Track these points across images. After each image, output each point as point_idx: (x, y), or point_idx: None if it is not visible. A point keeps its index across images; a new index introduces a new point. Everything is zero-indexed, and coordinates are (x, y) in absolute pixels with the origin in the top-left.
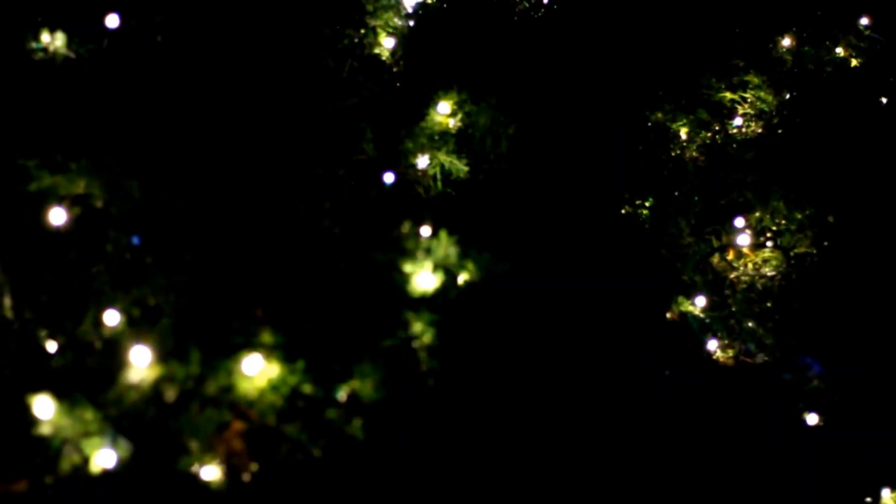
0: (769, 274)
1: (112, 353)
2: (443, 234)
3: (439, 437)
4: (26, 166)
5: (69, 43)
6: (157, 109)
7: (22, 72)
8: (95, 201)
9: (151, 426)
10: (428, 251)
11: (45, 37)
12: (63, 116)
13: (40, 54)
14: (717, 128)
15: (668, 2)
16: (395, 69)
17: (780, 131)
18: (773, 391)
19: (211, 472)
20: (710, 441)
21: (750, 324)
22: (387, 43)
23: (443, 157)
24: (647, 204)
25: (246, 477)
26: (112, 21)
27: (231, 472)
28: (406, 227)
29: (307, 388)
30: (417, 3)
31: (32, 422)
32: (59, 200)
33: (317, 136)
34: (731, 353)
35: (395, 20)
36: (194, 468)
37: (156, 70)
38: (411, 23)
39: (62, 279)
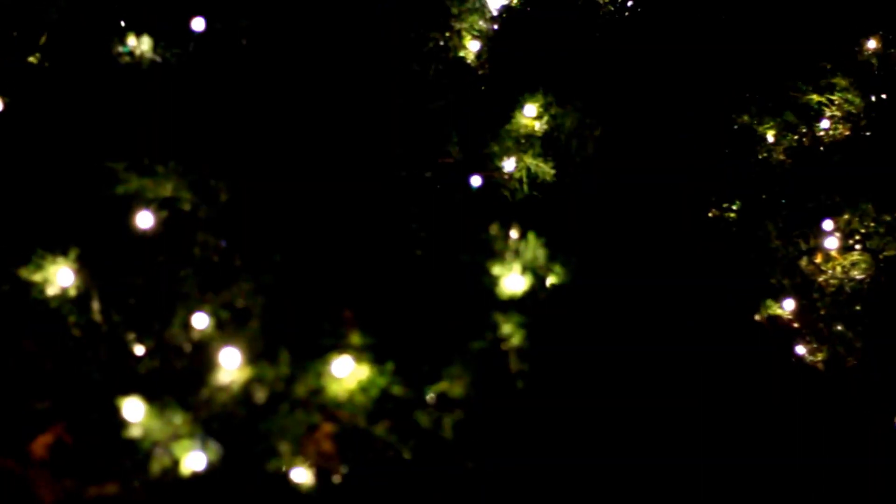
0: (858, 277)
1: (201, 355)
2: (531, 237)
3: (529, 440)
4: (114, 169)
5: (155, 47)
6: (242, 112)
7: (109, 76)
8: (183, 204)
9: (241, 428)
10: (516, 253)
11: (132, 41)
12: (150, 120)
13: (126, 58)
14: (803, 130)
15: (753, 4)
16: (480, 72)
17: (867, 133)
18: (865, 395)
19: (301, 474)
20: (804, 445)
21: (839, 327)
22: (472, 46)
23: (529, 160)
24: (734, 207)
25: (336, 479)
26: (198, 24)
27: (321, 473)
28: (494, 230)
29: (397, 390)
30: (502, 6)
31: (122, 424)
32: (147, 203)
33: (403, 139)
34: (819, 356)
35: (480, 23)
36: (284, 470)
37: (241, 73)
38: (495, 26)
39: (150, 282)
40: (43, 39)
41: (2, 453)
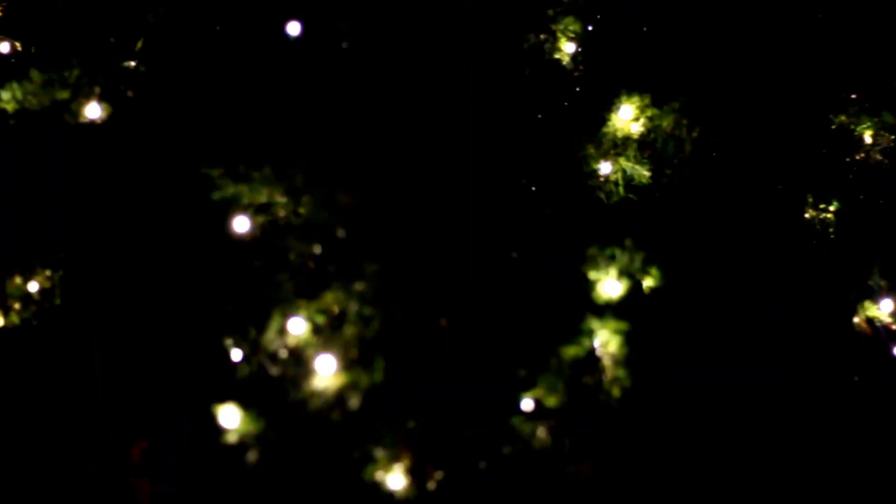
0: None
1: (297, 361)
2: (627, 242)
3: (625, 447)
4: (210, 176)
5: (249, 52)
6: (338, 117)
7: (204, 81)
8: (278, 210)
9: (337, 434)
10: (612, 258)
11: (227, 46)
12: (244, 125)
13: (222, 63)
14: None
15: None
16: (575, 73)
17: None
18: None
19: (396, 481)
20: None
21: None
22: (567, 48)
23: (625, 163)
24: (831, 208)
25: (431, 485)
26: (293, 28)
27: (416, 480)
28: (591, 234)
29: (493, 398)
30: (597, 7)
31: (219, 430)
32: (243, 209)
33: (499, 142)
34: None
35: (576, 25)
36: (380, 476)
37: (338, 76)
38: (590, 27)
39: (246, 288)
40: (139, 45)
41: (101, 459)
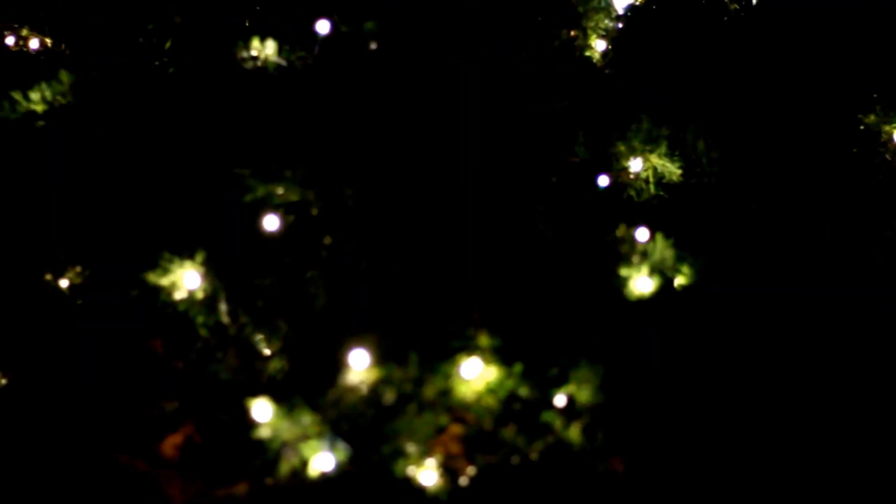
0: None
1: (329, 356)
2: (659, 237)
3: (658, 443)
4: (241, 175)
5: (280, 50)
6: (368, 116)
7: (234, 80)
8: (310, 209)
9: (369, 429)
10: (644, 254)
11: (256, 45)
12: (275, 124)
13: (251, 63)
14: None
15: (876, 4)
16: (606, 71)
17: None
18: None
19: (428, 476)
20: None
21: None
22: (598, 45)
23: (655, 160)
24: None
25: (463, 481)
26: (323, 27)
27: (448, 475)
28: (622, 231)
29: (524, 392)
30: (628, 5)
31: (251, 425)
32: (274, 208)
33: (529, 139)
34: None
35: (606, 22)
36: (411, 471)
37: (367, 77)
38: (620, 24)
39: (277, 284)
40: (168, 44)
41: (133, 454)
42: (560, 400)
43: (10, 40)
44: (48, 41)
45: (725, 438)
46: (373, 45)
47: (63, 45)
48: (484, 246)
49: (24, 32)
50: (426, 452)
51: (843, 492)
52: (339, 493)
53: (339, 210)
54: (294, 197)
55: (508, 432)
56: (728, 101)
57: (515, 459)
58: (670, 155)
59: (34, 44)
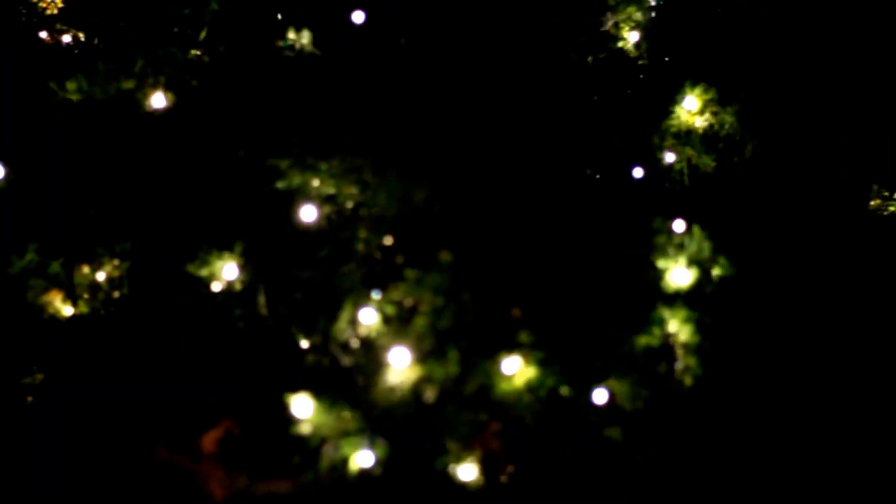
0: None
1: (369, 351)
2: (696, 229)
3: (699, 438)
4: (277, 166)
5: (315, 40)
6: (406, 107)
7: (269, 71)
8: (346, 201)
9: (410, 426)
10: (681, 246)
11: (292, 35)
12: (311, 115)
13: (287, 52)
14: None
15: None
16: (640, 62)
17: None
18: None
19: (468, 473)
20: None
21: None
22: (631, 37)
23: (689, 152)
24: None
25: (503, 478)
26: (358, 17)
27: (488, 472)
28: (658, 223)
29: (564, 391)
30: None
31: (291, 421)
32: (311, 200)
33: (566, 131)
34: None
35: (638, 14)
36: (451, 468)
37: (402, 65)
38: (653, 14)
39: (315, 277)
40: (203, 34)
41: (173, 449)
42: (600, 396)
43: (43, 34)
44: (81, 35)
45: (763, 433)
46: (406, 38)
47: (96, 39)
48: (520, 241)
49: (58, 26)
50: (466, 449)
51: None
52: (378, 490)
53: (375, 203)
54: (330, 189)
55: (549, 429)
56: (765, 92)
57: (555, 456)
58: (705, 147)
59: (67, 38)
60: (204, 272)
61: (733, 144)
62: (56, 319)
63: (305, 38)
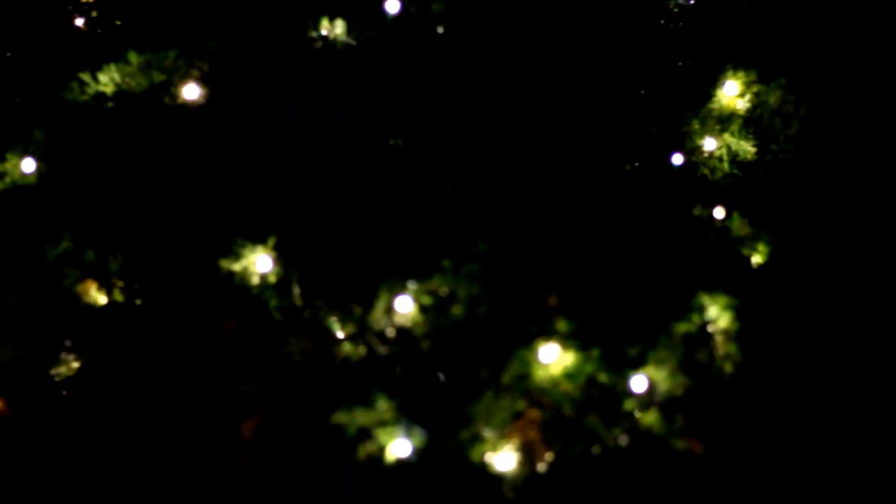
0: None
1: (405, 341)
2: (736, 216)
3: (738, 426)
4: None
5: (349, 30)
6: (442, 94)
7: (303, 61)
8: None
9: (446, 415)
10: (721, 233)
11: (325, 25)
12: (344, 105)
13: (320, 43)
14: None
15: None
16: (678, 47)
17: None
18: None
19: (505, 461)
20: None
21: None
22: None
23: (729, 139)
24: None
25: (541, 466)
26: (392, 6)
27: (526, 461)
28: (698, 210)
29: (603, 378)
30: None
31: (327, 409)
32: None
33: (603, 117)
34: None
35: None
36: (488, 457)
37: (439, 54)
38: (692, 1)
39: (350, 266)
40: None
41: (210, 437)
42: (639, 383)
43: (79, 21)
44: (118, 22)
45: (804, 421)
46: (442, 27)
47: (131, 29)
48: (559, 229)
49: (94, 14)
50: (503, 438)
51: None
52: (415, 479)
53: (410, 191)
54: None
55: (588, 418)
56: (807, 76)
57: (594, 445)
58: (745, 133)
59: (102, 26)
60: (238, 266)
61: (782, 119)
62: (91, 308)
63: (339, 28)
